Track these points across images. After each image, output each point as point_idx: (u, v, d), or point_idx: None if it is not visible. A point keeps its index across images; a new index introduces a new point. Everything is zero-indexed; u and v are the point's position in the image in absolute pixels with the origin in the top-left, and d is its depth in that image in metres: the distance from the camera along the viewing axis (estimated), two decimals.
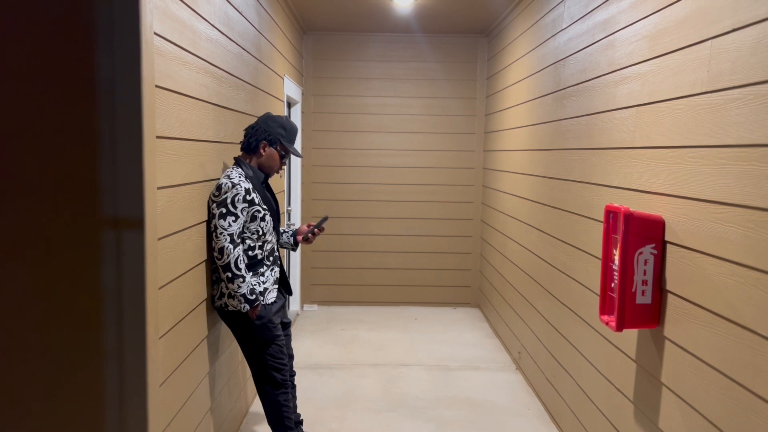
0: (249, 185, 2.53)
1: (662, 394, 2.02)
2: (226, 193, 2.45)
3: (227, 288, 2.49)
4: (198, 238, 2.35)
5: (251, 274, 2.56)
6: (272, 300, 2.63)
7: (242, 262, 2.47)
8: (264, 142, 2.65)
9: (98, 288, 1.64)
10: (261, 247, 2.62)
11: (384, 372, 4.03)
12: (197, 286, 2.35)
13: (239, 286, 2.45)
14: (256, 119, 3.32)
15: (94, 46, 1.57)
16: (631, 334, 2.27)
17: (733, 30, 1.68)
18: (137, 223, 1.67)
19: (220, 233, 2.42)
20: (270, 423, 2.71)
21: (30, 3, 1.56)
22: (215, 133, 2.53)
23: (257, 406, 3.46)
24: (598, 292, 2.56)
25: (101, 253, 1.63)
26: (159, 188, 1.85)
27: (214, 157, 2.53)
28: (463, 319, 5.39)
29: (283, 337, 2.70)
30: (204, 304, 2.45)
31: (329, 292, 5.76)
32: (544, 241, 3.49)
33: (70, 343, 1.65)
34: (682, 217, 1.92)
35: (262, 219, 2.57)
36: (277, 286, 2.70)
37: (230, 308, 2.52)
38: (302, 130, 5.47)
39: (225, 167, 2.71)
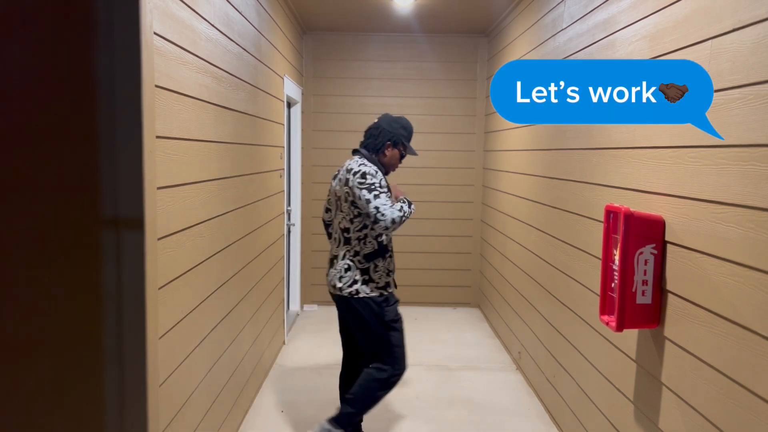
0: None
1: (662, 394, 2.02)
2: (373, 178, 2.65)
3: (357, 269, 2.72)
4: (198, 238, 2.35)
5: (383, 260, 2.74)
6: (392, 289, 2.81)
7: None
8: (389, 143, 2.82)
9: (98, 288, 1.64)
10: (386, 235, 2.78)
11: None
12: (197, 286, 2.35)
13: (405, 210, 2.63)
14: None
15: (94, 46, 1.57)
16: (631, 334, 2.27)
17: (733, 30, 1.68)
18: (137, 223, 1.67)
19: (386, 209, 2.57)
20: (357, 400, 2.79)
21: (30, 3, 1.56)
22: (215, 133, 2.53)
23: (257, 405, 3.46)
24: (598, 292, 2.56)
25: (101, 253, 1.63)
26: (159, 188, 1.85)
27: (214, 156, 2.52)
28: (463, 319, 5.39)
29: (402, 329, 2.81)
30: (204, 304, 2.44)
31: None
32: (544, 241, 3.49)
33: (70, 344, 1.65)
34: (682, 217, 1.92)
35: None
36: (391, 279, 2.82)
37: (362, 295, 2.68)
38: (302, 129, 5.46)
39: (225, 167, 2.71)
